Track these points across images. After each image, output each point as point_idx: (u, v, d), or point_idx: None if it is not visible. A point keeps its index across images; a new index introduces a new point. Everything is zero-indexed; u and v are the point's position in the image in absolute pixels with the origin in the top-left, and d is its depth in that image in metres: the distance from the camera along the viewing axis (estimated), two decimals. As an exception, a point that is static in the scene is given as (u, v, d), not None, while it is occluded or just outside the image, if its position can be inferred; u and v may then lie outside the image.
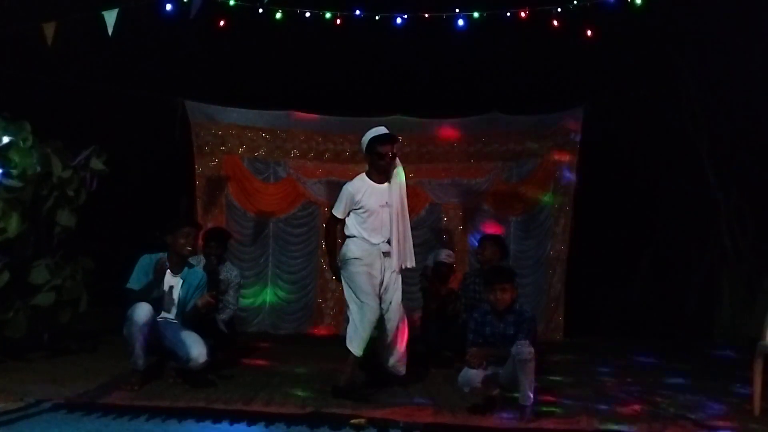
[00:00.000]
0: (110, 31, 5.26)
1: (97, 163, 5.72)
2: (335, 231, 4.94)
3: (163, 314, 4.75)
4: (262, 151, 8.34)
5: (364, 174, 4.89)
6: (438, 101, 8.07)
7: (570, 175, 8.21)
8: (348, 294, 4.78)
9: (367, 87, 8.12)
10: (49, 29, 5.65)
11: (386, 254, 4.78)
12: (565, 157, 8.24)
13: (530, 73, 8.23)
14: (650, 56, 8.01)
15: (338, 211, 4.82)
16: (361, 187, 4.79)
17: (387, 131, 4.85)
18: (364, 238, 4.75)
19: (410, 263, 4.88)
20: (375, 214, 4.77)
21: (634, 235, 8.70)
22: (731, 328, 7.80)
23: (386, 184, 4.83)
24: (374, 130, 4.87)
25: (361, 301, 4.64)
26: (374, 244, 4.75)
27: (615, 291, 8.73)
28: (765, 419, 4.15)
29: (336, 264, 4.90)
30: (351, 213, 4.80)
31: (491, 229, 8.00)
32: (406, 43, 7.14)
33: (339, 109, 8.11)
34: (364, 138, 4.87)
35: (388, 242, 4.78)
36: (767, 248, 7.64)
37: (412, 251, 4.92)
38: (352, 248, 4.76)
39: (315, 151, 8.34)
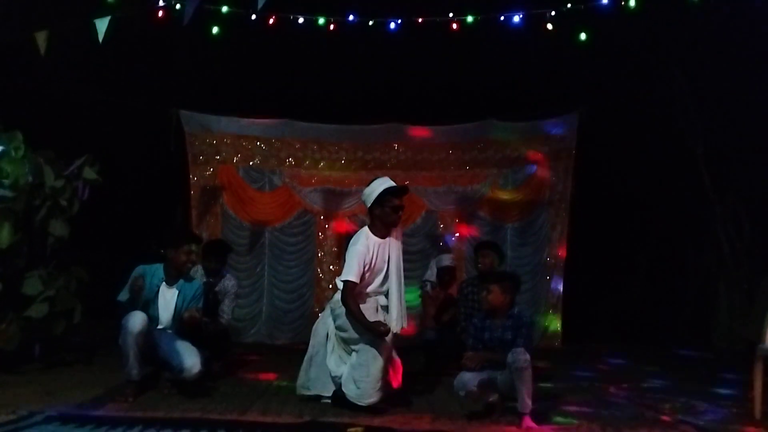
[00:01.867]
0: (101, 38, 5.23)
1: (90, 173, 5.68)
2: (356, 299, 4.36)
3: (160, 325, 4.70)
4: (257, 160, 8.31)
5: (367, 230, 4.50)
6: (433, 108, 8.05)
7: (566, 181, 8.20)
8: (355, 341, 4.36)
9: (362, 94, 8.10)
10: (42, 38, 5.62)
11: (384, 308, 4.54)
12: (561, 163, 8.24)
13: (525, 79, 8.22)
14: (644, 61, 8.02)
15: (354, 276, 4.31)
16: (369, 245, 4.42)
17: (394, 183, 4.53)
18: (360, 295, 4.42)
19: (405, 324, 4.52)
20: (379, 273, 4.49)
21: (631, 240, 8.70)
22: (729, 331, 7.78)
23: (387, 238, 4.53)
24: (383, 181, 4.51)
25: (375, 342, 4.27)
26: (369, 297, 4.48)
27: (612, 296, 8.71)
28: (765, 422, 4.13)
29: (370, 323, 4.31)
30: None
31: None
32: (401, 50, 7.13)
33: (334, 117, 8.10)
34: (371, 189, 4.47)
35: (384, 296, 4.54)
36: (764, 252, 7.63)
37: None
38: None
39: (310, 159, 8.32)
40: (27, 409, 3.93)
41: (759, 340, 4.41)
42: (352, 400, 4.24)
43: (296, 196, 8.30)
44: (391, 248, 4.53)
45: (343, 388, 4.31)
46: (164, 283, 4.70)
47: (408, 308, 4.69)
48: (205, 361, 4.70)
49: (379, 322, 4.32)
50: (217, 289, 5.75)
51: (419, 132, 8.24)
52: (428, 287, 6.65)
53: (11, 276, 5.20)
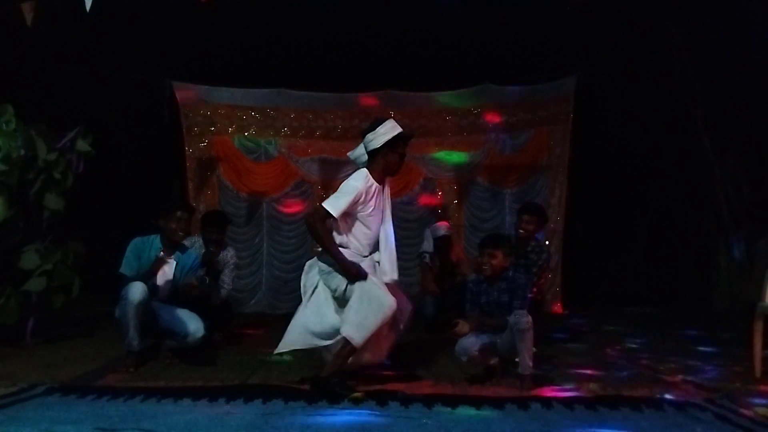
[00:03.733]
0: (88, 6, 5.12)
1: (83, 145, 5.62)
2: (324, 225, 4.05)
3: (159, 295, 4.69)
4: (252, 131, 8.25)
5: (366, 171, 4.13)
6: (429, 74, 7.95)
7: (564, 145, 8.15)
8: (361, 291, 3.97)
9: (357, 61, 7.99)
10: (28, 9, 5.50)
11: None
12: (559, 127, 8.18)
13: (522, 43, 8.11)
14: (642, 23, 7.90)
15: (337, 209, 3.95)
16: (369, 188, 4.07)
17: (401, 128, 4.20)
18: (356, 250, 4.12)
19: (396, 276, 4.22)
20: (374, 221, 4.14)
21: (630, 204, 8.67)
22: (729, 293, 7.78)
23: (382, 185, 4.23)
24: (394, 125, 4.17)
25: (383, 295, 3.97)
26: (365, 257, 4.15)
27: (612, 260, 8.72)
28: (766, 380, 4.14)
29: (344, 257, 4.00)
30: (343, 216, 4.05)
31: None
32: (396, 14, 7.02)
33: (329, 85, 8.00)
34: (384, 130, 4.09)
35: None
36: (763, 213, 7.60)
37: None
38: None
39: (306, 128, 8.25)
40: (28, 381, 3.93)
41: (759, 298, 4.41)
42: (345, 332, 3.91)
43: (293, 166, 8.25)
44: (385, 196, 4.24)
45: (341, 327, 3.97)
46: (162, 254, 4.68)
47: None
48: (208, 329, 4.70)
49: (353, 264, 3.98)
50: (218, 258, 5.75)
51: (415, 98, 8.15)
52: (426, 258, 6.64)
53: (8, 251, 5.19)
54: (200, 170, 8.16)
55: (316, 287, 4.21)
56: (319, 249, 4.24)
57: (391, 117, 7.82)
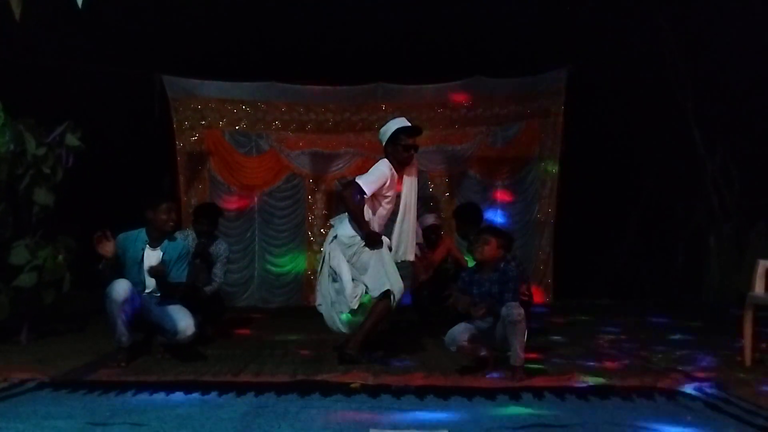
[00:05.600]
0: (80, 3, 5.08)
1: (72, 140, 5.57)
2: (355, 197, 4.52)
3: (147, 290, 4.66)
4: (243, 124, 8.22)
5: (387, 161, 4.66)
6: (420, 67, 7.93)
7: (555, 138, 8.16)
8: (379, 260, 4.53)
9: (348, 55, 7.96)
10: (16, 3, 5.44)
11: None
12: (550, 120, 8.19)
13: (513, 35, 8.09)
14: (632, 15, 7.91)
15: (369, 188, 4.50)
16: (392, 174, 4.61)
17: (409, 123, 4.71)
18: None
19: (407, 257, 4.79)
20: (387, 205, 4.68)
21: (621, 196, 8.69)
22: (720, 284, 7.83)
23: (399, 175, 4.71)
24: (398, 120, 4.71)
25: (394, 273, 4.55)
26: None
27: (603, 252, 8.74)
28: (756, 369, 4.18)
29: (369, 225, 4.53)
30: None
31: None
32: (386, 6, 6.99)
33: (320, 79, 7.97)
34: (386, 128, 4.67)
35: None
36: (754, 204, 7.64)
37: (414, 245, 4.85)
38: None
39: (297, 122, 8.23)
40: (19, 376, 3.91)
41: (749, 289, 4.45)
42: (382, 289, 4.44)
43: (284, 159, 8.24)
44: (405, 183, 4.70)
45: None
46: (148, 246, 4.66)
47: None
48: (199, 325, 4.68)
49: (376, 233, 4.54)
50: (210, 250, 5.75)
51: (407, 91, 8.14)
52: (416, 249, 6.61)
53: (-3, 246, 5.15)
54: (191, 164, 8.14)
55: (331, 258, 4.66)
56: (331, 223, 4.90)
57: (383, 110, 7.92)
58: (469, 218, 6.26)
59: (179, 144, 8.09)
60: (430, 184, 8.37)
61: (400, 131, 4.63)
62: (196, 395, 3.56)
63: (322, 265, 4.75)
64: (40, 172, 5.35)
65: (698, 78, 7.78)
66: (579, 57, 7.84)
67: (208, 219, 5.84)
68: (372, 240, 4.50)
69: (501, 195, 8.33)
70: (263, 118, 8.21)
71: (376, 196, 4.59)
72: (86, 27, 7.16)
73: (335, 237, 4.65)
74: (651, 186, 8.69)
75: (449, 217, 8.07)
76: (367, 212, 4.58)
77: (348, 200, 4.52)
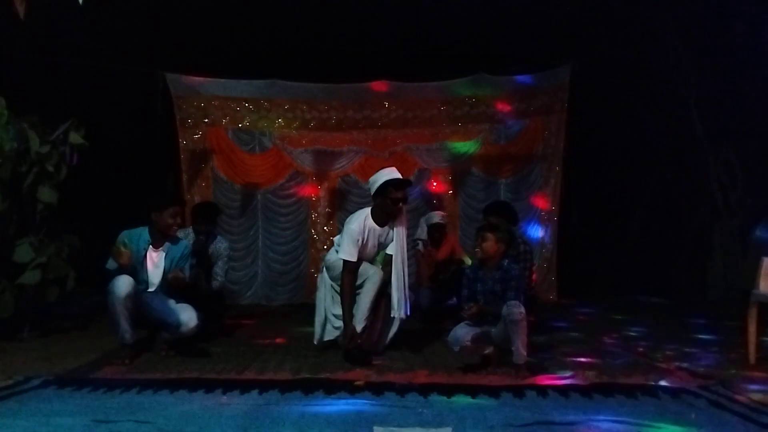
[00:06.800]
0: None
1: (75, 137, 5.58)
2: (348, 279, 4.61)
3: (149, 288, 4.67)
4: (246, 122, 8.22)
5: (368, 212, 4.72)
6: (424, 64, 7.93)
7: (559, 135, 8.15)
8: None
9: (351, 52, 7.96)
10: (20, 1, 5.44)
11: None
12: (553, 117, 8.17)
13: (516, 32, 8.09)
14: (637, 12, 7.89)
15: (350, 255, 4.59)
16: (364, 228, 4.65)
17: (400, 175, 4.69)
18: None
19: (406, 312, 4.73)
20: (364, 253, 4.70)
21: (625, 193, 8.68)
22: (724, 281, 7.82)
23: (386, 227, 4.73)
24: (387, 172, 4.69)
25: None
26: None
27: (607, 249, 8.73)
28: (760, 367, 4.17)
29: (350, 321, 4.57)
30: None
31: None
32: (389, 5, 6.97)
33: (323, 76, 7.96)
34: (375, 179, 4.68)
35: None
36: (757, 200, 7.62)
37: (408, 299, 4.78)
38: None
39: (300, 120, 8.23)
40: (24, 374, 3.92)
41: (753, 286, 4.43)
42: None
43: (287, 157, 8.23)
44: (395, 234, 4.73)
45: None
46: (150, 245, 4.66)
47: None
48: (201, 318, 4.69)
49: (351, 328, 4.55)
50: (210, 251, 5.73)
51: (409, 89, 8.13)
52: (420, 246, 6.63)
53: (2, 244, 5.16)
54: (194, 162, 8.13)
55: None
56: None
57: (386, 107, 7.88)
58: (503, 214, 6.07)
59: (182, 142, 8.09)
60: (433, 181, 8.36)
61: (389, 183, 4.60)
62: (200, 393, 3.56)
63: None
64: (44, 170, 5.36)
65: (702, 74, 7.76)
66: (582, 54, 7.81)
67: (206, 218, 5.82)
68: (347, 337, 4.51)
69: (505, 192, 8.30)
70: (266, 115, 8.21)
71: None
72: (90, 25, 7.17)
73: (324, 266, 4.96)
74: (654, 183, 8.68)
75: (452, 214, 8.09)
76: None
77: (342, 284, 4.61)
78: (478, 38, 8.01)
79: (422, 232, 6.65)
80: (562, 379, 3.90)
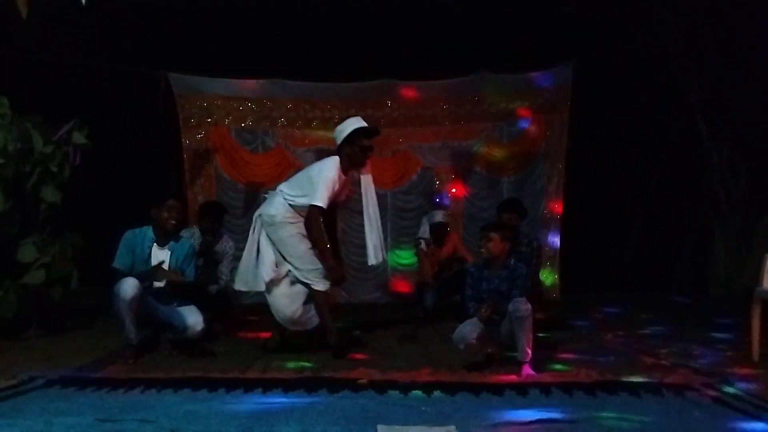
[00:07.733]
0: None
1: (79, 137, 5.60)
2: (321, 225, 4.47)
3: (155, 287, 4.67)
4: (249, 121, 8.22)
5: (337, 160, 4.56)
6: (425, 62, 7.92)
7: (561, 132, 8.14)
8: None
9: (353, 51, 7.95)
10: (22, 1, 5.45)
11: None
12: (556, 115, 8.16)
13: (518, 31, 8.07)
14: (639, 10, 7.87)
15: (323, 201, 4.40)
16: (337, 176, 4.52)
17: (366, 124, 4.62)
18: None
19: (381, 258, 4.76)
20: (331, 207, 4.58)
21: (627, 190, 8.67)
22: (726, 279, 7.81)
23: (349, 174, 4.65)
24: (354, 120, 4.60)
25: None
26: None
27: (610, 247, 8.72)
28: (764, 364, 4.16)
29: (332, 258, 4.55)
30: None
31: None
32: (391, 3, 6.97)
33: (325, 75, 7.96)
34: (343, 127, 4.57)
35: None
36: (760, 197, 7.61)
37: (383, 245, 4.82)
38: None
39: (303, 119, 8.23)
40: (27, 373, 3.93)
41: (756, 283, 4.43)
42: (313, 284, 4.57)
43: (290, 156, 8.23)
44: (363, 182, 4.68)
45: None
46: (155, 244, 4.66)
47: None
48: (207, 321, 4.70)
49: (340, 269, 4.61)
50: (216, 249, 5.76)
51: (411, 87, 8.12)
52: (422, 245, 6.63)
53: (5, 243, 5.17)
54: (197, 161, 8.14)
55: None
56: (266, 195, 4.99)
57: (388, 106, 7.91)
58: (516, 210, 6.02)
59: (185, 141, 8.10)
60: (436, 180, 8.35)
61: (358, 132, 4.51)
62: (204, 392, 3.57)
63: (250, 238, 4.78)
64: (47, 170, 5.38)
65: (704, 71, 7.74)
66: (584, 52, 7.80)
67: (212, 218, 5.86)
68: (336, 277, 4.55)
69: (508, 190, 8.29)
70: (269, 115, 8.21)
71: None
72: (93, 25, 7.18)
73: (260, 215, 4.68)
74: (657, 180, 8.66)
75: (455, 213, 8.09)
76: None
77: (313, 230, 4.43)
78: (481, 37, 7.98)
79: (425, 232, 6.65)
80: (566, 376, 3.90)
